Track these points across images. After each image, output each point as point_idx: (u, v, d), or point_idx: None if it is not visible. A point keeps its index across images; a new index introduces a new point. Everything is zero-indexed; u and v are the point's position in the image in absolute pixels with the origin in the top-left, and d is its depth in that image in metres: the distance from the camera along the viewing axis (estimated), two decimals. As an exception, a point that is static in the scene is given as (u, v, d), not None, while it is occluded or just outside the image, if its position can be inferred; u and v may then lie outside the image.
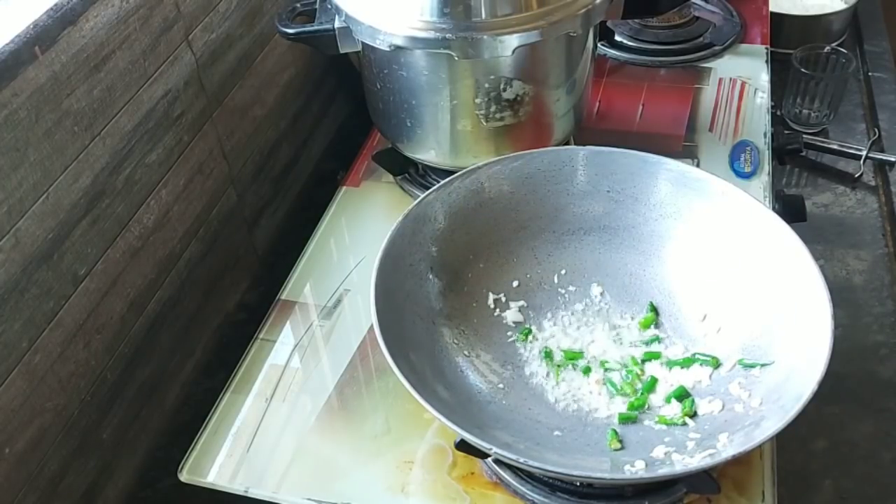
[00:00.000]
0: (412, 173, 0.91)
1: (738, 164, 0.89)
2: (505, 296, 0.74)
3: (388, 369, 0.59)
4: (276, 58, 0.91)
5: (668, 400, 0.65)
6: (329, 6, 0.81)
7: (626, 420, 0.65)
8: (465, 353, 0.69)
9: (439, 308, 0.70)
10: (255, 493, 0.65)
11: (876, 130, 1.03)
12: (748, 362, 0.65)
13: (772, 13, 1.14)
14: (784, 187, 0.97)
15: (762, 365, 0.64)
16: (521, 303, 0.73)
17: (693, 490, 0.61)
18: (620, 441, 0.63)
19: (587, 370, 0.68)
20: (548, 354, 0.70)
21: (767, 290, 0.66)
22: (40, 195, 0.59)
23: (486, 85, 0.78)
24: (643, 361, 0.69)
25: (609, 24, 1.04)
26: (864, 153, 0.99)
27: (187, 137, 0.76)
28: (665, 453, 0.60)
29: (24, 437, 0.59)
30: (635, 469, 0.59)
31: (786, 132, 1.02)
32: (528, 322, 0.73)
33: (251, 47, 0.86)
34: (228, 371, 0.73)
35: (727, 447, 0.57)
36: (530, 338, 0.71)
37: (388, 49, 0.76)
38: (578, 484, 0.63)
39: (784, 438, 0.56)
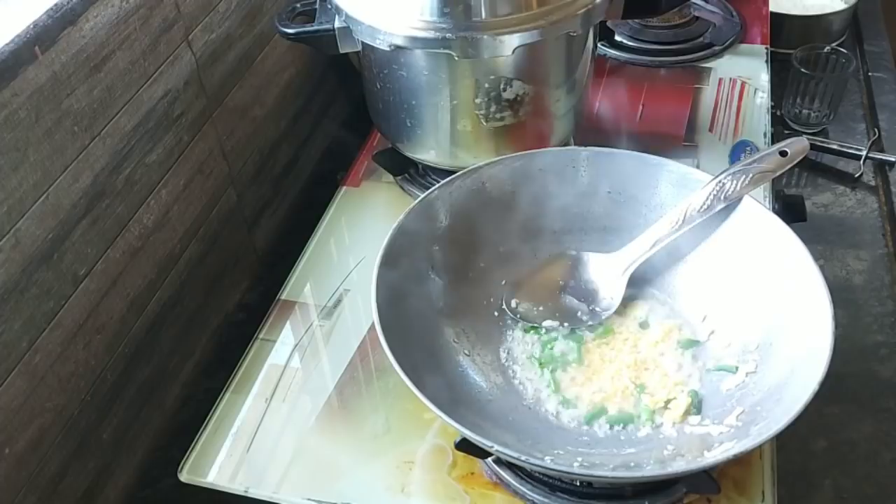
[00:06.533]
0: (412, 173, 0.91)
1: (738, 164, 0.89)
2: (506, 295, 0.74)
3: (388, 369, 0.59)
4: (276, 58, 0.91)
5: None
6: (329, 6, 0.81)
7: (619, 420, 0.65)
8: (466, 352, 0.69)
9: (440, 307, 0.70)
10: (255, 493, 0.65)
11: (876, 130, 1.03)
12: (743, 364, 0.65)
13: (772, 13, 1.14)
14: (784, 187, 0.97)
15: (756, 369, 0.64)
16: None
17: (693, 490, 0.61)
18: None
19: (587, 368, 0.68)
20: (548, 354, 0.69)
21: (768, 291, 0.66)
22: (40, 195, 0.59)
23: (486, 85, 0.78)
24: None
25: (609, 24, 1.04)
26: (864, 153, 0.99)
27: (187, 137, 0.76)
28: (665, 453, 0.60)
29: (24, 437, 0.59)
30: (635, 469, 0.59)
31: (786, 132, 1.02)
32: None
33: (251, 47, 0.86)
34: (228, 371, 0.73)
35: (727, 447, 0.57)
36: (531, 337, 0.71)
37: (388, 49, 0.76)
38: (578, 483, 0.63)
39: (784, 438, 0.56)
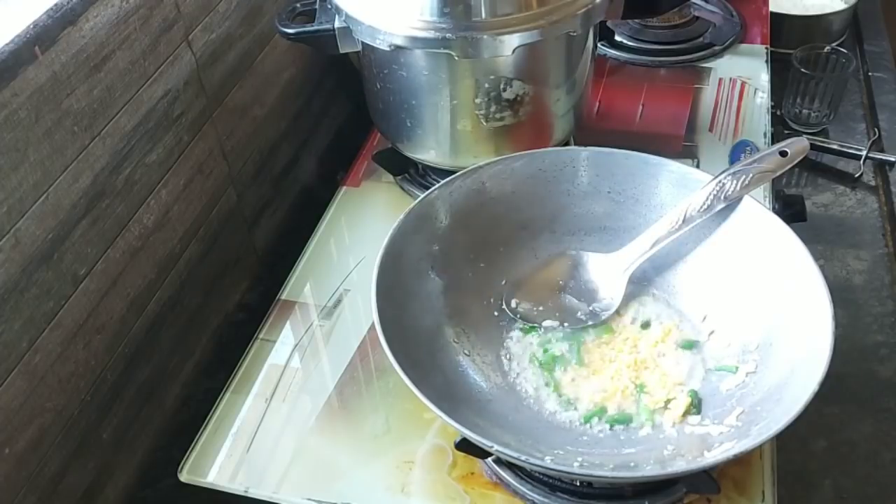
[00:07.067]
0: (412, 173, 0.91)
1: (738, 164, 0.89)
2: (506, 295, 0.74)
3: (388, 369, 0.59)
4: (276, 58, 0.91)
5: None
6: (329, 6, 0.81)
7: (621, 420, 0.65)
8: (466, 352, 0.69)
9: (440, 307, 0.70)
10: (254, 493, 0.65)
11: (876, 130, 1.03)
12: (744, 364, 0.65)
13: (772, 13, 1.14)
14: (784, 187, 0.97)
15: (755, 369, 0.64)
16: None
17: (693, 490, 0.61)
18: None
19: (587, 368, 0.68)
20: (548, 354, 0.70)
21: (768, 291, 0.66)
22: (40, 195, 0.59)
23: (486, 85, 0.78)
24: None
25: (609, 24, 1.04)
26: (864, 153, 0.99)
27: (187, 137, 0.76)
28: (665, 453, 0.60)
29: (24, 437, 0.59)
30: (635, 469, 0.59)
31: (786, 132, 1.02)
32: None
33: (251, 47, 0.86)
34: (228, 371, 0.73)
35: (727, 447, 0.57)
36: (531, 337, 0.71)
37: (388, 49, 0.76)
38: (578, 483, 0.63)
39: (784, 438, 0.56)
